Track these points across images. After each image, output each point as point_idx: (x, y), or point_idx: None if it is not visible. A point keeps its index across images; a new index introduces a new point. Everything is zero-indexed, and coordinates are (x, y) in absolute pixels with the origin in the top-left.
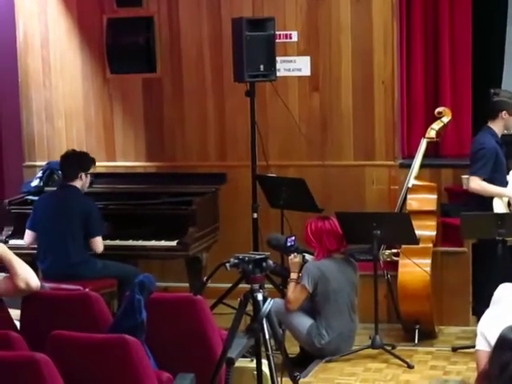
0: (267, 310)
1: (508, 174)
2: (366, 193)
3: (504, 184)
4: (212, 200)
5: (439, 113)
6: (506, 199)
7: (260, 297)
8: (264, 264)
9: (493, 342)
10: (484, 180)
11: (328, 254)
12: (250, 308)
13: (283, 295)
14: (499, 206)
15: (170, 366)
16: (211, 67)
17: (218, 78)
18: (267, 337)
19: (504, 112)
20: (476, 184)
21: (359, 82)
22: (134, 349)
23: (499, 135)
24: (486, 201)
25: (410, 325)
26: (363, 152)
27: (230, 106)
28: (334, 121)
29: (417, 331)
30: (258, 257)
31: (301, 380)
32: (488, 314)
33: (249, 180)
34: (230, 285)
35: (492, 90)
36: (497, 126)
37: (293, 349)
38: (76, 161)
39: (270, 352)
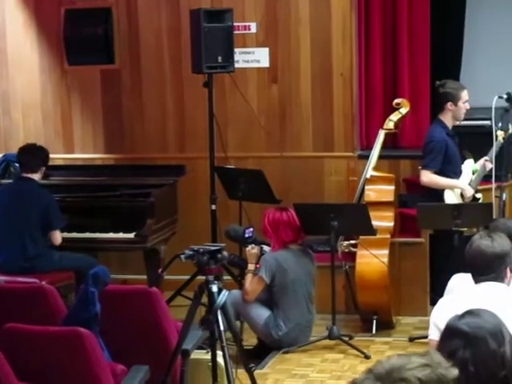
0: (222, 301)
1: (462, 164)
2: (324, 184)
3: (458, 175)
4: (170, 192)
5: (397, 104)
6: (458, 190)
7: (215, 288)
8: (219, 255)
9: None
10: (435, 173)
11: (284, 245)
12: (206, 299)
13: (241, 286)
14: (451, 198)
15: (125, 358)
16: (170, 58)
17: (176, 70)
18: (222, 328)
19: (450, 103)
20: (426, 177)
21: (318, 73)
22: (88, 341)
23: (450, 127)
24: (440, 192)
25: (367, 315)
26: (322, 143)
27: (188, 97)
28: (293, 112)
29: (374, 322)
30: (212, 248)
31: (258, 371)
32: (440, 304)
33: (207, 172)
34: (188, 277)
35: (438, 82)
36: (446, 118)
37: (251, 340)
38: (39, 154)
39: (225, 343)
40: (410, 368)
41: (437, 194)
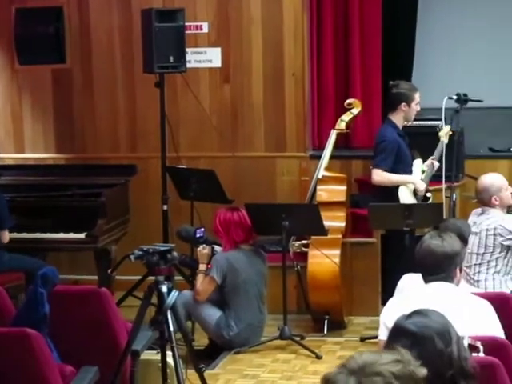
0: (172, 301)
1: (412, 163)
2: (276, 184)
3: (408, 174)
4: (122, 192)
5: (349, 104)
6: (411, 186)
7: (164, 288)
8: (169, 256)
9: None
10: (385, 171)
11: (235, 245)
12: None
13: (192, 287)
14: (405, 194)
15: (74, 359)
16: (122, 58)
17: (128, 69)
18: (172, 329)
19: (403, 104)
20: (378, 176)
21: (270, 73)
22: (36, 342)
23: (400, 127)
24: (392, 191)
25: (319, 315)
26: (274, 143)
27: (140, 97)
28: (245, 112)
29: (326, 322)
30: (162, 248)
31: (209, 372)
32: (390, 304)
33: (159, 172)
34: (140, 277)
35: (391, 82)
36: (397, 118)
37: (202, 340)
38: None
39: (175, 344)
40: (383, 363)
41: (389, 193)
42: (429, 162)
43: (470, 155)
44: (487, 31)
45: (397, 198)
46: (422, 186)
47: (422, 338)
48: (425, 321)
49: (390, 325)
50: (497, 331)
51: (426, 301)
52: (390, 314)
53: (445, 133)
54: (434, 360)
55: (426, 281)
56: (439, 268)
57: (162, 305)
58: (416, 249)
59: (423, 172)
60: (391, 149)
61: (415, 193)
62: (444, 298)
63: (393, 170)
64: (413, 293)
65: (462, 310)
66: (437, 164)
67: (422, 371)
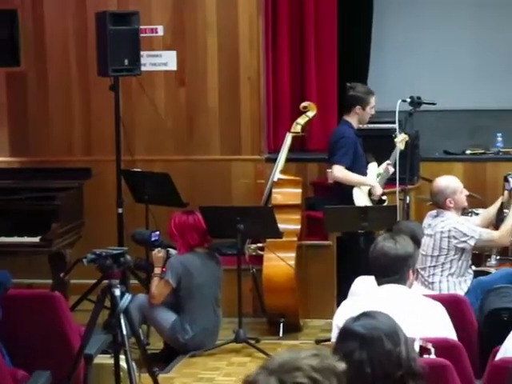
0: (125, 305)
1: (367, 166)
2: (232, 187)
3: (364, 175)
4: (76, 195)
5: (304, 107)
6: (366, 189)
7: (118, 292)
8: (122, 259)
9: None
10: (346, 169)
11: (190, 248)
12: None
13: (148, 290)
14: (360, 196)
15: (27, 364)
16: (76, 61)
17: (83, 72)
18: (125, 332)
19: (358, 107)
20: (339, 172)
21: (225, 77)
22: None
23: (355, 128)
24: (347, 192)
25: (274, 318)
26: (230, 147)
27: (95, 100)
28: (201, 116)
29: (281, 324)
30: (115, 252)
31: (164, 375)
32: (343, 307)
33: (114, 175)
34: (95, 280)
35: (348, 84)
36: (352, 120)
37: (157, 344)
38: None
39: (128, 347)
40: (302, 358)
41: (345, 195)
42: (384, 165)
43: (425, 158)
44: (441, 35)
45: (352, 201)
46: (378, 191)
47: (370, 339)
48: (373, 322)
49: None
50: (449, 333)
51: (378, 303)
52: (343, 316)
53: (400, 139)
54: (383, 360)
55: (379, 283)
56: (392, 270)
57: (115, 308)
58: (370, 251)
59: (378, 175)
60: (350, 145)
61: (370, 195)
62: (397, 300)
63: (349, 168)
64: (366, 295)
65: (414, 312)
66: (392, 169)
67: (341, 365)
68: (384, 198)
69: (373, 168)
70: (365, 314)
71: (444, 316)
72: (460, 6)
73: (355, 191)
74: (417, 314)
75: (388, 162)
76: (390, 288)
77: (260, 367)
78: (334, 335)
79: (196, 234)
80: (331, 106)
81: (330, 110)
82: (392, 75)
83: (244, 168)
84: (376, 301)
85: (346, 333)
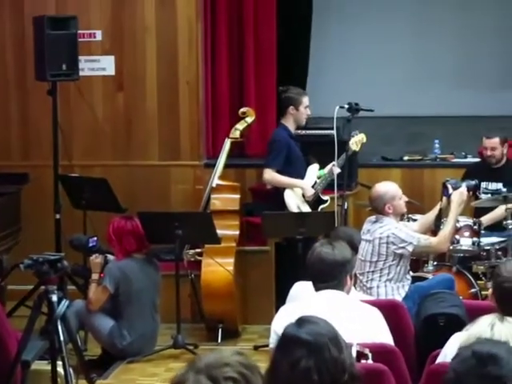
0: (62, 311)
1: (306, 167)
2: (171, 193)
3: (301, 177)
4: (13, 200)
5: (243, 113)
6: (299, 191)
7: (55, 298)
8: (59, 265)
9: None
10: (278, 172)
11: (127, 254)
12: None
13: (85, 296)
14: (291, 199)
15: None
16: (14, 65)
17: (21, 77)
18: (62, 338)
19: (292, 107)
20: (268, 175)
21: (164, 82)
22: None
23: (292, 130)
24: (281, 195)
25: (213, 324)
26: (168, 152)
27: (33, 104)
28: (139, 121)
29: (220, 330)
30: (52, 258)
31: (101, 381)
32: (281, 312)
33: (52, 180)
34: (32, 286)
35: (281, 88)
36: (288, 122)
37: (95, 350)
38: None
39: (65, 354)
40: (228, 355)
41: (278, 199)
42: (329, 166)
43: (363, 164)
44: (379, 42)
45: (284, 203)
46: (309, 192)
47: (317, 346)
48: (317, 329)
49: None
50: (386, 338)
51: (316, 308)
52: (282, 322)
53: (356, 140)
54: (330, 367)
55: (317, 288)
56: (330, 276)
57: (52, 314)
58: (307, 257)
59: (320, 176)
60: (281, 148)
61: (303, 196)
62: (334, 305)
63: (283, 171)
64: (304, 301)
65: (352, 318)
66: (337, 170)
67: (260, 366)
68: (326, 198)
69: (313, 170)
70: (306, 321)
71: (381, 321)
72: (397, 16)
73: (286, 193)
74: (354, 319)
75: (333, 163)
76: (328, 293)
77: (186, 367)
78: (272, 341)
79: (134, 240)
80: (270, 111)
81: (269, 116)
82: (331, 82)
83: (182, 173)
84: (314, 306)
85: (290, 340)
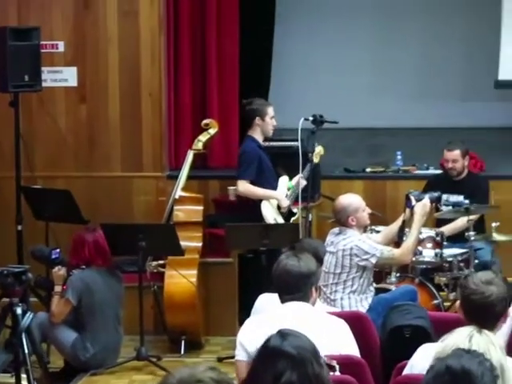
0: (26, 323)
1: (278, 178)
2: (133, 204)
3: (273, 188)
4: None
5: (206, 125)
6: (274, 202)
7: (19, 310)
8: (23, 277)
9: (252, 352)
10: (251, 183)
11: (91, 266)
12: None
13: (48, 308)
14: (268, 211)
15: None
16: None
17: None
18: (26, 351)
19: (258, 118)
20: (243, 187)
21: (127, 93)
22: None
23: (260, 141)
24: (254, 207)
25: (176, 336)
26: (131, 163)
27: None
28: (102, 132)
29: (183, 342)
30: (16, 270)
31: None
32: (247, 324)
33: (14, 191)
34: None
35: (244, 101)
36: (255, 133)
37: (58, 362)
38: None
39: (29, 366)
40: (200, 371)
41: (253, 210)
42: (296, 178)
43: (325, 175)
44: (342, 54)
45: (259, 215)
46: (285, 203)
47: (301, 360)
48: (300, 343)
49: (247, 345)
50: (352, 350)
51: (282, 320)
52: (248, 334)
53: (315, 153)
54: (312, 382)
55: (283, 300)
56: (295, 288)
57: (17, 327)
58: (273, 269)
59: (290, 188)
60: (251, 159)
61: (279, 208)
62: (300, 317)
63: (257, 182)
64: (270, 313)
65: (318, 330)
66: (304, 182)
67: (232, 379)
68: (295, 210)
69: (284, 181)
70: (289, 334)
71: (347, 333)
72: (359, 26)
73: (263, 205)
74: (321, 331)
75: (300, 175)
76: (294, 305)
77: (159, 382)
78: (238, 353)
79: (97, 252)
80: (233, 123)
81: (232, 128)
82: (294, 94)
83: (145, 185)
84: (280, 318)
85: (273, 351)
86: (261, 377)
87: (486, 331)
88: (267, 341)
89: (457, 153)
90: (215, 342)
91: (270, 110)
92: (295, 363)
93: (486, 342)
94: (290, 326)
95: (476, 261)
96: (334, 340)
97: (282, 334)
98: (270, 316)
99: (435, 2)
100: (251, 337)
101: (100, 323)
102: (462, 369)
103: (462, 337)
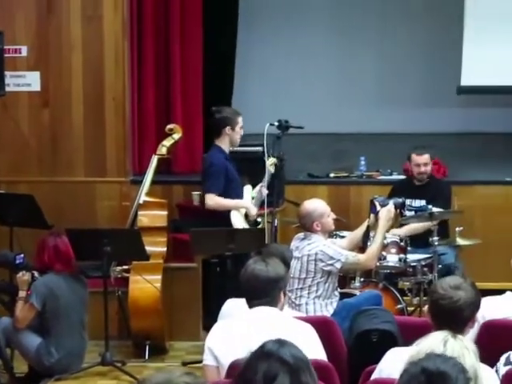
0: None
1: (243, 188)
2: (97, 209)
3: (240, 197)
4: None
5: (170, 130)
6: (243, 211)
7: None
8: None
9: (220, 356)
10: (219, 195)
11: (55, 271)
12: None
13: (12, 314)
14: (238, 219)
15: None
16: None
17: None
18: None
19: (228, 128)
20: (212, 201)
21: (90, 98)
22: None
23: (227, 151)
24: (225, 216)
25: (140, 341)
26: (94, 168)
27: None
28: (65, 137)
29: (147, 347)
30: None
31: None
32: (215, 329)
33: None
34: None
35: (213, 108)
36: (223, 143)
37: (22, 368)
38: None
39: None
40: (177, 376)
41: (223, 219)
42: (258, 188)
43: (289, 181)
44: (306, 60)
45: (230, 224)
46: (253, 211)
47: (296, 368)
48: (297, 352)
49: (216, 350)
50: (320, 354)
51: (250, 325)
52: (216, 339)
53: (269, 163)
54: None
55: (251, 305)
56: (263, 292)
57: None
58: (241, 274)
59: (253, 198)
60: (219, 172)
61: (247, 217)
62: (268, 322)
63: (224, 193)
64: (238, 318)
65: (286, 334)
66: (265, 191)
67: None
68: (259, 220)
69: (248, 191)
70: (287, 343)
71: (315, 338)
72: (320, 32)
73: (233, 214)
74: (289, 336)
75: (262, 184)
76: (262, 310)
77: None
78: (206, 358)
79: (62, 257)
80: (197, 128)
81: (196, 133)
82: (256, 99)
83: (109, 190)
84: (248, 323)
85: (271, 355)
86: (253, 371)
87: (460, 336)
88: (263, 344)
89: (427, 156)
90: (179, 347)
91: (240, 120)
92: (290, 369)
93: (461, 347)
94: (258, 330)
95: (440, 265)
96: (302, 345)
97: (280, 341)
98: (237, 321)
99: (396, 9)
100: (219, 342)
101: (64, 328)
102: (437, 370)
103: (437, 341)
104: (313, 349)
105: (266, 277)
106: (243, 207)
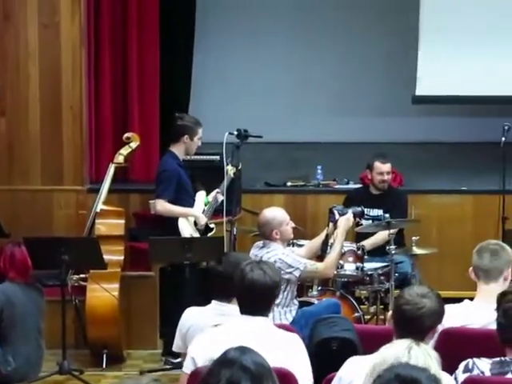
0: None
1: (195, 195)
2: (54, 218)
3: (191, 204)
4: None
5: (127, 138)
6: (191, 219)
7: None
8: None
9: (201, 365)
10: (169, 202)
11: (11, 279)
12: None
13: None
14: (185, 227)
15: None
16: None
17: None
18: None
19: (186, 136)
20: (161, 206)
21: (47, 106)
22: None
23: (181, 158)
24: (171, 223)
25: (97, 349)
26: (51, 176)
27: None
28: (22, 145)
29: (105, 356)
30: None
31: None
32: (200, 339)
33: None
34: None
35: (177, 114)
36: (178, 150)
37: None
38: None
39: None
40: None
41: (170, 225)
42: (213, 194)
43: (246, 189)
44: (264, 69)
45: (176, 231)
46: (202, 221)
47: (258, 375)
48: (259, 359)
49: (198, 359)
50: (306, 366)
51: (236, 335)
52: (199, 348)
53: (230, 170)
54: None
55: (245, 312)
56: (261, 300)
57: None
58: (236, 280)
59: (207, 204)
60: (171, 178)
61: (196, 224)
62: (254, 332)
63: (175, 199)
64: (223, 327)
65: (273, 346)
66: (221, 197)
67: None
68: (212, 226)
69: (201, 197)
70: (248, 349)
71: (302, 349)
72: (281, 42)
73: (180, 221)
74: (276, 347)
75: (217, 190)
76: (252, 320)
77: None
78: (187, 365)
79: (18, 265)
80: (153, 136)
81: (153, 141)
82: (213, 108)
83: (66, 198)
84: (234, 332)
85: (232, 362)
86: (215, 378)
87: (422, 344)
88: (226, 352)
89: (389, 165)
90: (137, 356)
91: (200, 131)
92: (252, 377)
93: (424, 355)
94: (243, 340)
95: (396, 274)
96: (289, 356)
97: (242, 349)
98: (223, 330)
99: (352, 18)
100: (203, 351)
101: (21, 336)
102: (411, 377)
103: (401, 348)
104: (302, 360)
105: (264, 285)
106: (192, 216)
